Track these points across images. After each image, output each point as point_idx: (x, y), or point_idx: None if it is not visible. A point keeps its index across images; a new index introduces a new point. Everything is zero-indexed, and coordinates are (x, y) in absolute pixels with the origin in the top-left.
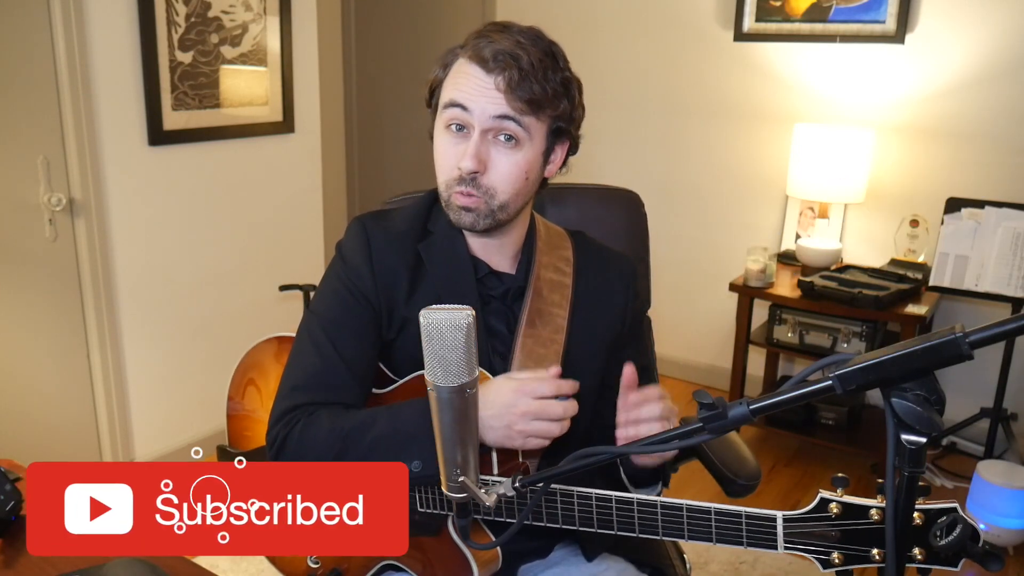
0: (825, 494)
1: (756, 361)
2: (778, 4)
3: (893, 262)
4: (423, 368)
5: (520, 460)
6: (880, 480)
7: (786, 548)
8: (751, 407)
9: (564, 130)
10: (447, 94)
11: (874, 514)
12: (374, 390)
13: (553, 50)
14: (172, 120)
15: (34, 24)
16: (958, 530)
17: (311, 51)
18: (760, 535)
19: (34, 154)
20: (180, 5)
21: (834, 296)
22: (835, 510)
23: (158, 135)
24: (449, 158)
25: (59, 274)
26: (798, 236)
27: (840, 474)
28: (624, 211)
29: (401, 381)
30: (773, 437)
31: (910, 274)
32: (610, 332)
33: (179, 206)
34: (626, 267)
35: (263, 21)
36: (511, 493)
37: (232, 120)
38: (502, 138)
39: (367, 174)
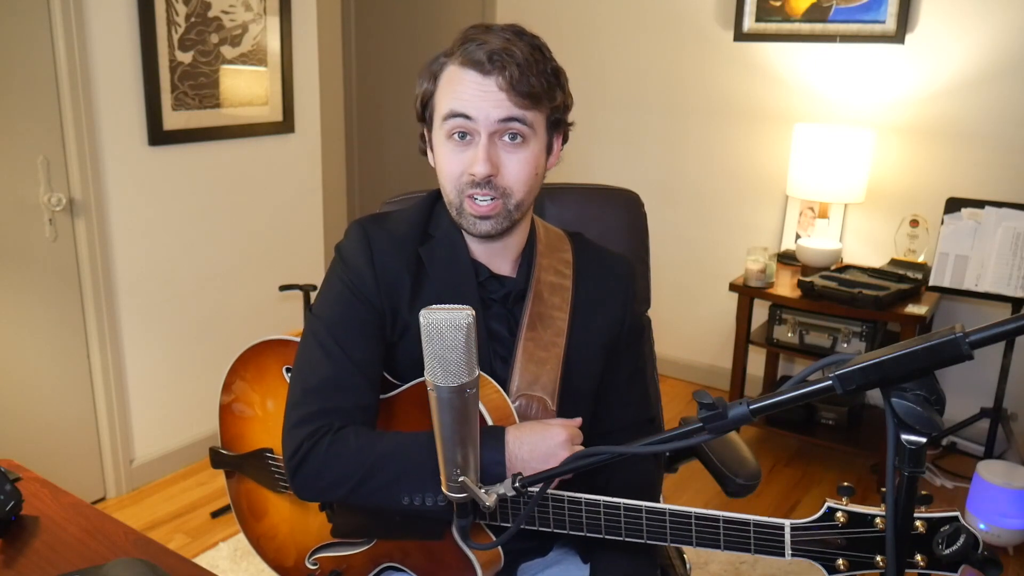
0: (832, 503)
1: (756, 361)
2: (778, 4)
3: (893, 262)
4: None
5: None
6: (884, 489)
7: (793, 555)
8: (751, 407)
9: (560, 120)
10: (445, 104)
11: (878, 522)
12: None
13: (538, 43)
14: (172, 120)
15: (34, 24)
16: (961, 540)
17: (311, 51)
18: (768, 543)
19: (34, 154)
20: (180, 5)
21: (834, 296)
22: (841, 519)
23: (158, 135)
24: (456, 166)
25: (59, 274)
26: (798, 236)
27: (846, 483)
28: (624, 211)
29: (405, 386)
30: (773, 437)
31: (910, 274)
32: (609, 334)
33: (179, 206)
34: (625, 269)
35: (263, 21)
36: (511, 493)
37: (232, 120)
38: (507, 138)
39: (367, 174)
